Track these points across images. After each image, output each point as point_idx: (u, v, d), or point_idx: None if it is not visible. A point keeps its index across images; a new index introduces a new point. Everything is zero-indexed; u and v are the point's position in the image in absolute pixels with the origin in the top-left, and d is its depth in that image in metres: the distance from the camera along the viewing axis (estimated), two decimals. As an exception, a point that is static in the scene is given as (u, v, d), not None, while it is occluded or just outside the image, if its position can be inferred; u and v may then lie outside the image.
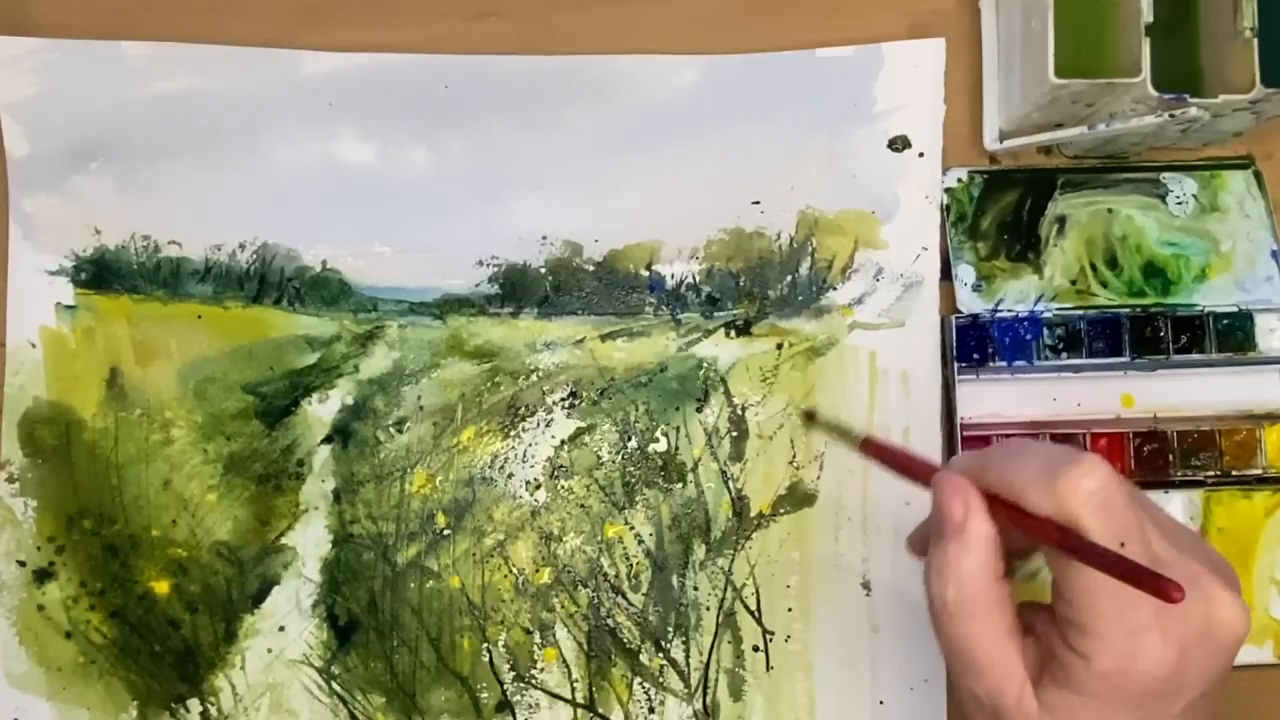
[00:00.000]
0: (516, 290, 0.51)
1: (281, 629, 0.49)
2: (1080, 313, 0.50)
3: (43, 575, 0.49)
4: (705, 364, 0.50)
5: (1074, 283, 0.51)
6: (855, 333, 0.51)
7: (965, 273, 0.51)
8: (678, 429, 0.50)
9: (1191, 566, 0.33)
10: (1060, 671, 0.33)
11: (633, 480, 0.50)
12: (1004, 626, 0.34)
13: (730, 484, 0.50)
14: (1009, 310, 0.50)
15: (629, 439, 0.50)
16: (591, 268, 0.51)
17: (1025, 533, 0.33)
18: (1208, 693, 0.33)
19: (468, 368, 0.50)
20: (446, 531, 0.49)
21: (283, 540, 0.49)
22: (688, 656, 0.49)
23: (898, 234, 0.51)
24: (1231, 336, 0.50)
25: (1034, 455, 0.33)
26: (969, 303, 0.50)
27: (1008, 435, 0.50)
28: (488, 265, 0.51)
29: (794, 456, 0.50)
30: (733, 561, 0.50)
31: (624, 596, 0.49)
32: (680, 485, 0.50)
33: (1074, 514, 0.32)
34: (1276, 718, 0.50)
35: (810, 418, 0.49)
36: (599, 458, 0.50)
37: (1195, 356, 0.50)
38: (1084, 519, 0.31)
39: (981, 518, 0.34)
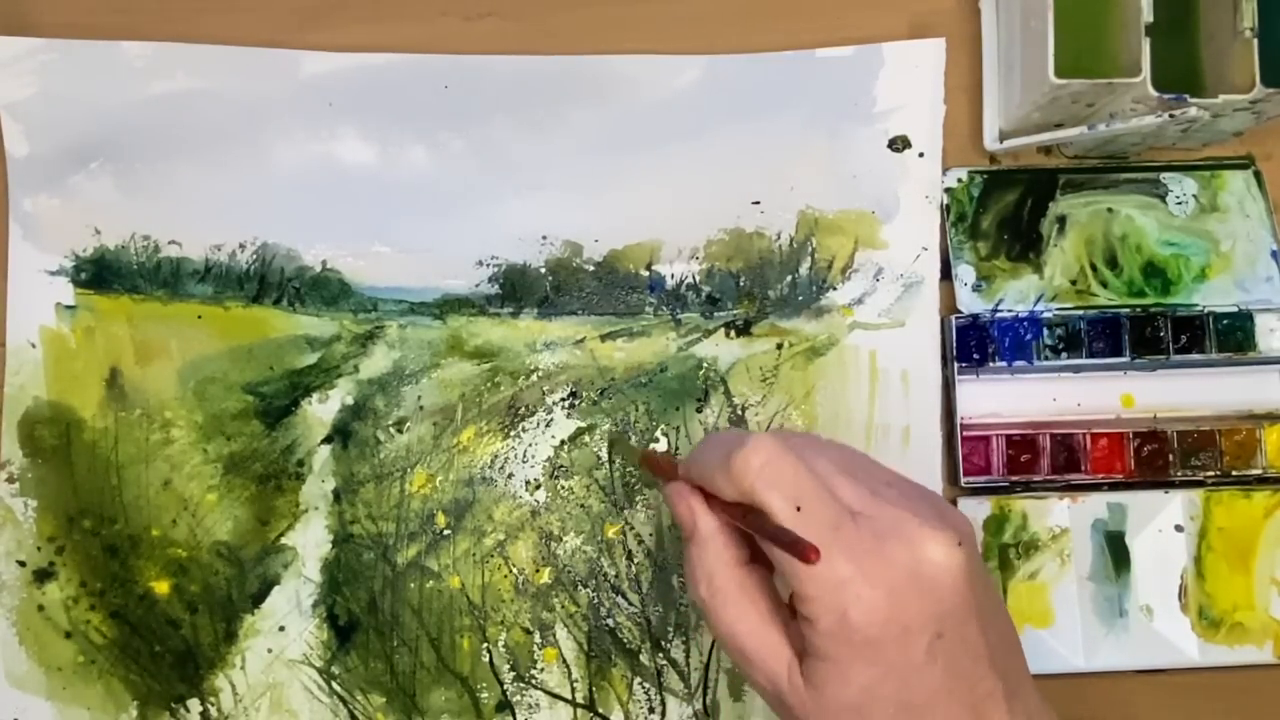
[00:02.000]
0: (516, 290, 0.51)
1: (281, 629, 0.49)
2: (1080, 313, 0.50)
3: (43, 575, 0.49)
4: (705, 364, 0.50)
5: (1074, 283, 0.51)
6: (855, 333, 0.51)
7: (965, 273, 0.51)
8: (678, 429, 0.50)
9: (892, 513, 0.34)
10: (807, 642, 0.34)
11: (633, 480, 0.50)
12: (761, 611, 0.36)
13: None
14: (1009, 310, 0.50)
15: (629, 439, 0.50)
16: (591, 268, 0.51)
17: (730, 518, 0.35)
18: (946, 634, 0.33)
19: (468, 368, 0.50)
20: (446, 531, 0.49)
21: (283, 540, 0.49)
22: (688, 656, 0.49)
23: (898, 234, 0.51)
24: (1231, 336, 0.50)
25: (715, 446, 0.35)
26: (969, 303, 0.50)
27: (1008, 435, 0.50)
28: (488, 265, 0.51)
29: (794, 456, 0.50)
30: (733, 561, 0.49)
31: (624, 596, 0.49)
32: (680, 485, 0.50)
33: (751, 491, 0.34)
34: (1276, 718, 0.50)
35: (613, 444, 0.50)
36: (599, 458, 0.50)
37: (1195, 356, 0.50)
38: (759, 493, 0.33)
39: (705, 516, 0.36)
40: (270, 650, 0.49)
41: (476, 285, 0.51)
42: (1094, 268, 0.51)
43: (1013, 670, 0.35)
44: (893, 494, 0.35)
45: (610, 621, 0.49)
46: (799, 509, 0.33)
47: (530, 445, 0.50)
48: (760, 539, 0.35)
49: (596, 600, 0.49)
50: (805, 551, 0.32)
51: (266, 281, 0.50)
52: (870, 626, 0.33)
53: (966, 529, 0.35)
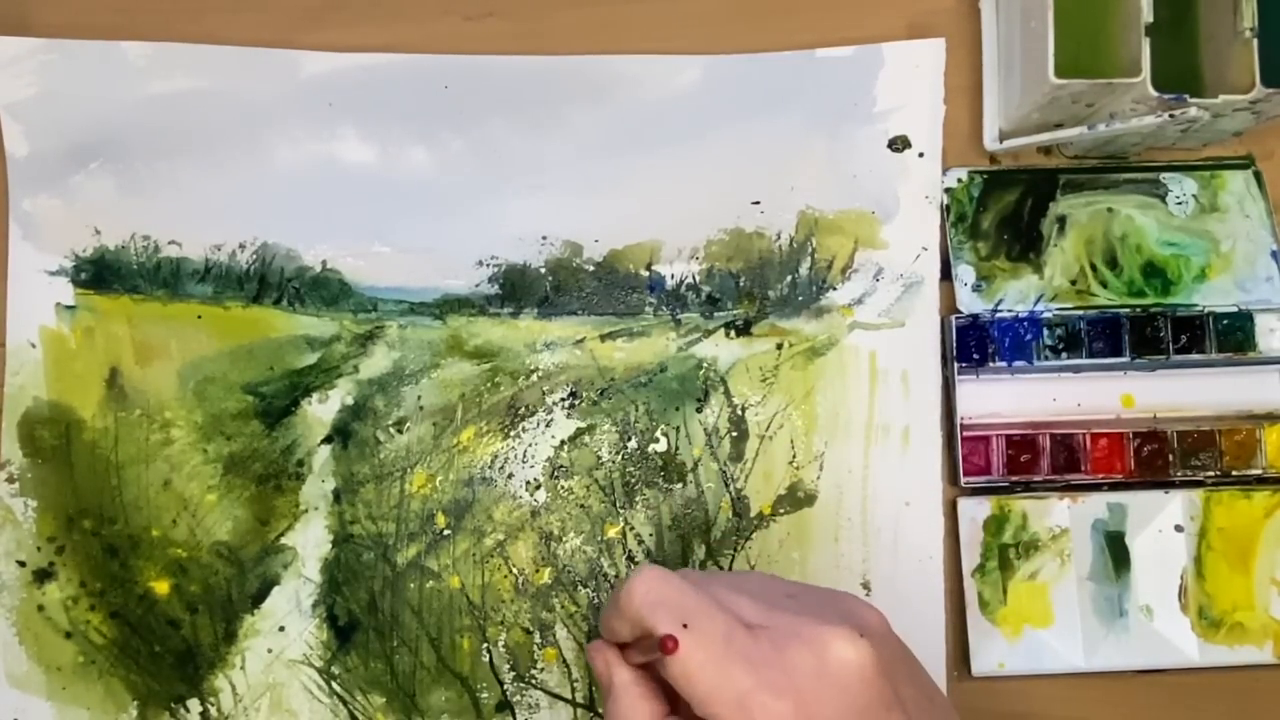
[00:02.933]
0: (516, 290, 0.51)
1: (281, 629, 0.49)
2: (1080, 313, 0.50)
3: (43, 575, 0.49)
4: (705, 364, 0.50)
5: (1074, 283, 0.51)
6: (855, 333, 0.51)
7: (965, 273, 0.51)
8: (678, 429, 0.50)
9: (790, 619, 0.33)
10: None
11: (633, 480, 0.50)
12: None
13: (730, 484, 0.50)
14: (1009, 310, 0.50)
15: (629, 439, 0.50)
16: (591, 268, 0.51)
17: (645, 661, 0.35)
18: None
19: (468, 368, 0.50)
20: (446, 531, 0.49)
21: (283, 540, 0.49)
22: (688, 656, 0.49)
23: (898, 234, 0.51)
24: (1231, 336, 0.50)
25: (612, 602, 0.35)
26: (969, 303, 0.50)
27: (1008, 435, 0.50)
28: (488, 265, 0.51)
29: (794, 456, 0.50)
30: (733, 561, 0.50)
31: (624, 596, 0.49)
32: (680, 485, 0.50)
33: (637, 618, 0.33)
34: (1276, 718, 0.50)
35: None
36: (599, 458, 0.50)
37: (1195, 356, 0.50)
38: (645, 618, 0.33)
39: (619, 667, 0.35)
40: (270, 650, 0.49)
41: (476, 285, 0.51)
42: (1094, 268, 0.51)
43: None
44: (793, 604, 0.34)
45: (610, 621, 0.49)
46: (685, 626, 0.32)
47: (530, 445, 0.50)
48: (647, 662, 0.34)
49: (596, 600, 0.49)
50: (663, 642, 0.31)
51: (266, 281, 0.50)
52: None
53: (873, 619, 0.35)
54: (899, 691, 0.33)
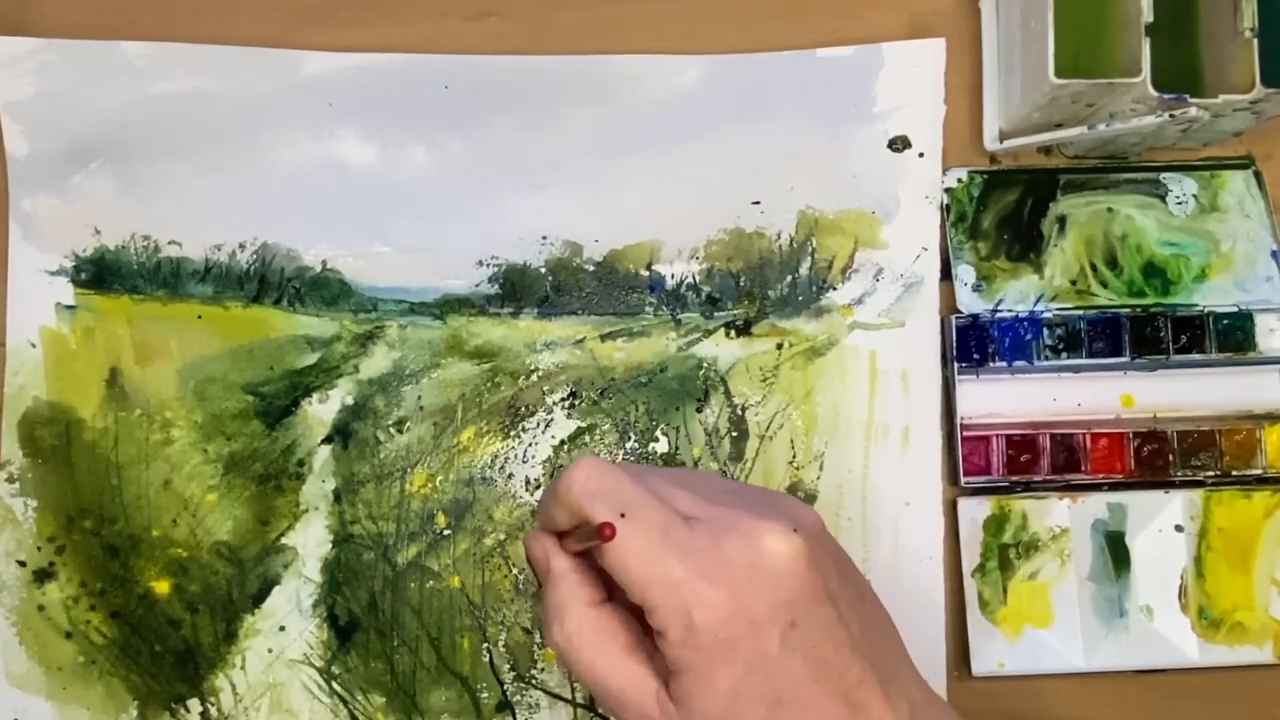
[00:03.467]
0: (516, 290, 0.51)
1: (282, 629, 0.49)
2: (1080, 313, 0.50)
3: (43, 575, 0.49)
4: (705, 364, 0.50)
5: (1074, 283, 0.51)
6: (855, 333, 0.51)
7: (965, 273, 0.51)
8: (678, 429, 0.50)
9: (727, 513, 0.34)
10: (665, 660, 0.34)
11: (633, 480, 0.50)
12: (619, 645, 0.35)
13: None
14: (1009, 310, 0.50)
15: (629, 439, 0.50)
16: (591, 268, 0.51)
17: (568, 546, 0.35)
18: (800, 623, 0.33)
19: (468, 368, 0.50)
20: (446, 531, 0.49)
21: (283, 540, 0.49)
22: (688, 656, 0.49)
23: (898, 234, 0.51)
24: (1231, 336, 0.50)
25: (549, 491, 0.35)
26: (969, 303, 0.50)
27: (1008, 435, 0.50)
28: (488, 265, 0.51)
29: (794, 456, 0.50)
30: (733, 561, 0.49)
31: (624, 596, 0.49)
32: (680, 485, 0.50)
33: (576, 506, 0.34)
34: (1276, 718, 0.50)
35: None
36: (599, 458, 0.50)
37: (1195, 356, 0.50)
38: (584, 506, 0.33)
39: (557, 555, 0.36)
40: (270, 650, 0.49)
41: (476, 285, 0.51)
42: (1094, 268, 0.51)
43: (887, 658, 0.35)
44: (731, 499, 0.35)
45: (610, 621, 0.49)
46: (623, 515, 0.33)
47: (530, 445, 0.50)
48: (586, 550, 0.35)
49: (596, 600, 0.49)
50: (601, 529, 0.32)
51: (266, 281, 0.50)
52: (717, 624, 0.32)
53: (809, 518, 0.35)
54: (829, 586, 0.34)
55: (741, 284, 0.51)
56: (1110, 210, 0.51)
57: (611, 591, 0.35)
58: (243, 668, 0.49)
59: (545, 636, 0.36)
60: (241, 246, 0.50)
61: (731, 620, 0.32)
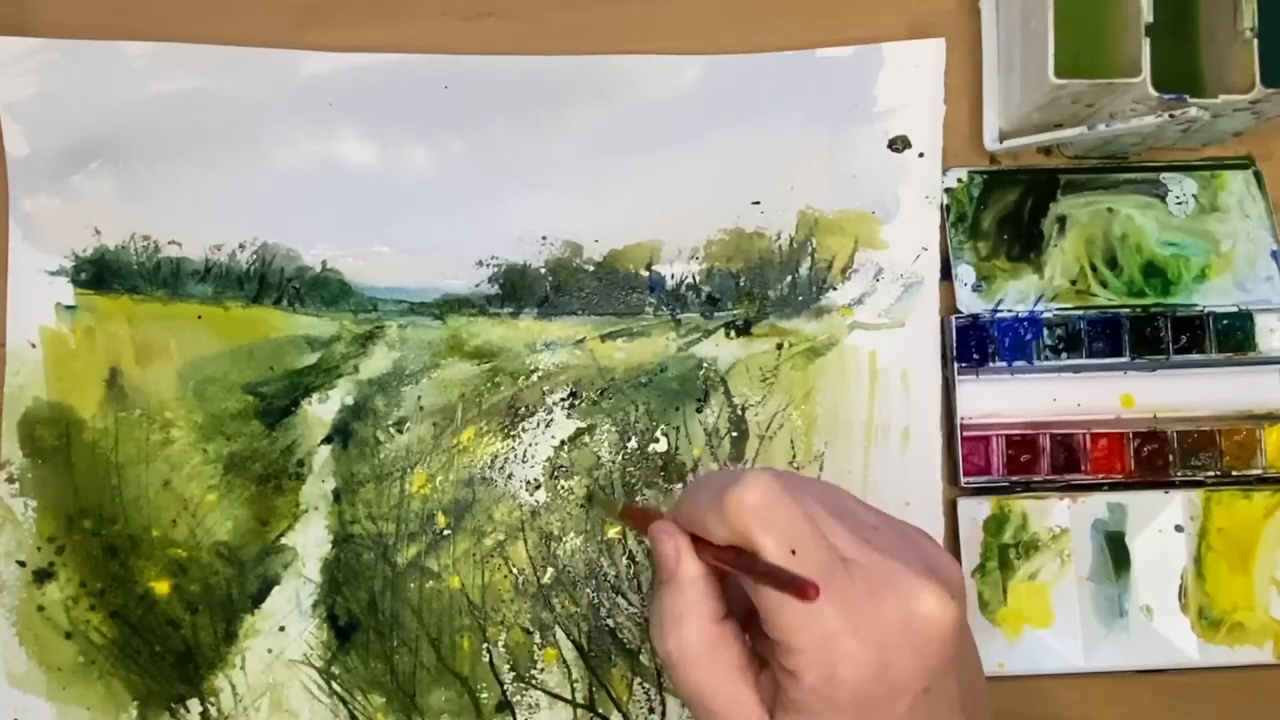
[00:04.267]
0: (516, 290, 0.51)
1: (281, 629, 0.49)
2: (1080, 313, 0.50)
3: (43, 575, 0.49)
4: (705, 364, 0.50)
5: (1074, 283, 0.51)
6: (855, 333, 0.51)
7: (965, 273, 0.51)
8: (678, 429, 0.50)
9: (884, 563, 0.32)
10: (784, 696, 0.32)
11: (633, 480, 0.50)
12: (733, 667, 0.33)
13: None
14: (1009, 310, 0.50)
15: (629, 439, 0.50)
16: (591, 268, 0.51)
17: (722, 564, 0.33)
18: (933, 688, 0.32)
19: (468, 368, 0.50)
20: (446, 531, 0.49)
21: (283, 540, 0.49)
22: (688, 656, 0.49)
23: (898, 234, 0.51)
24: (1231, 336, 0.50)
25: (707, 484, 0.33)
26: (969, 303, 0.50)
27: (1008, 435, 0.50)
28: (488, 265, 0.51)
29: (794, 457, 0.50)
30: (733, 561, 0.50)
31: (624, 596, 0.49)
32: (680, 485, 0.50)
33: (744, 532, 0.31)
34: (1276, 718, 0.50)
35: (591, 498, 0.49)
36: (599, 458, 0.50)
37: (1195, 356, 0.50)
38: (754, 533, 0.31)
39: (690, 559, 0.34)
40: (270, 650, 0.49)
41: (476, 285, 0.51)
42: (1094, 268, 0.51)
43: (980, 709, 0.35)
44: (883, 539, 0.34)
45: (610, 621, 0.49)
46: (794, 552, 0.31)
47: (530, 445, 0.50)
48: (750, 581, 0.33)
49: (596, 600, 0.49)
50: (804, 588, 0.29)
51: (266, 281, 0.50)
52: (860, 683, 0.31)
53: (957, 576, 0.34)
54: (963, 652, 0.33)
55: (741, 284, 0.51)
56: (1110, 210, 0.51)
57: (729, 605, 0.34)
58: (242, 668, 0.49)
59: (654, 638, 0.34)
60: (241, 246, 0.50)
61: (874, 681, 0.31)
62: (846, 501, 0.36)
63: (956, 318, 0.50)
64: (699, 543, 0.34)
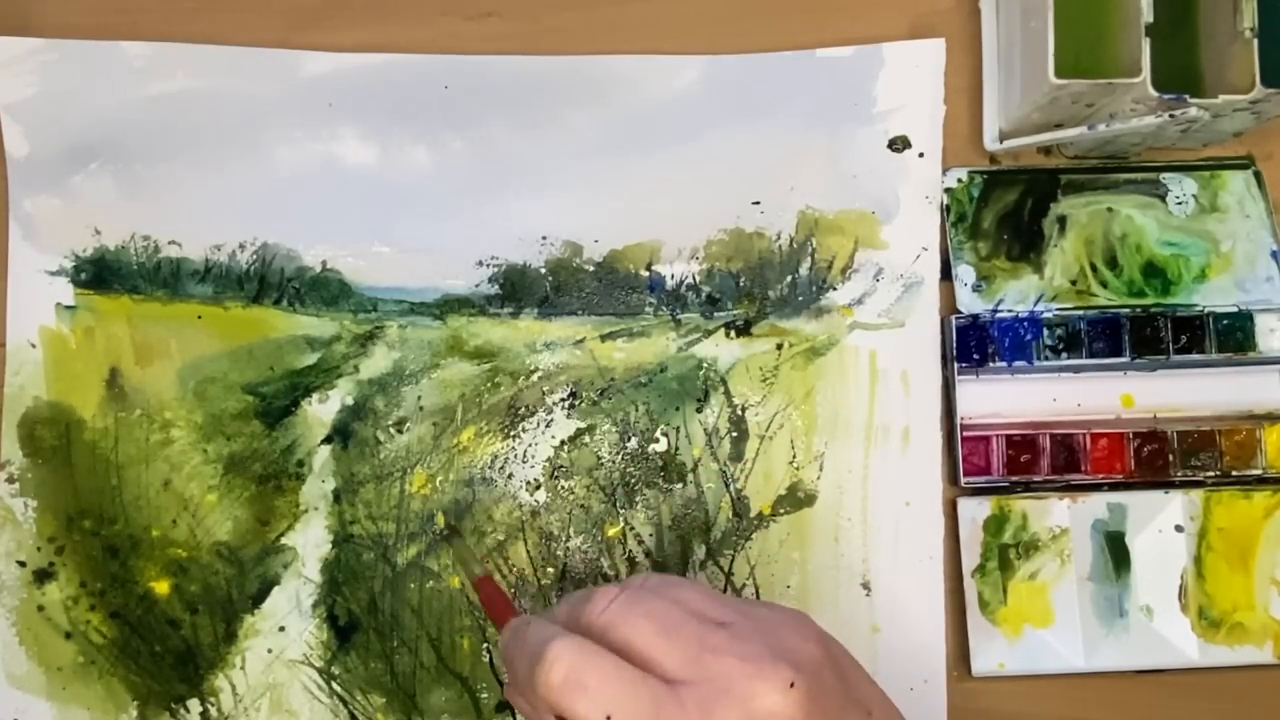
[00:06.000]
0: (516, 290, 0.51)
1: (281, 629, 0.49)
2: (1080, 313, 0.50)
3: (43, 575, 0.49)
4: (705, 364, 0.50)
5: (1074, 283, 0.51)
6: (855, 333, 0.51)
7: (965, 273, 0.51)
8: (678, 429, 0.50)
9: (717, 669, 0.32)
10: None
11: (633, 480, 0.50)
12: None
13: (730, 484, 0.50)
14: (1009, 310, 0.50)
15: (629, 439, 0.50)
16: (591, 268, 0.51)
17: None
18: None
19: (468, 368, 0.50)
20: (446, 532, 0.49)
21: (283, 540, 0.49)
22: (688, 656, 0.49)
23: (898, 234, 0.51)
24: (1231, 336, 0.50)
25: (522, 647, 0.34)
26: (969, 303, 0.50)
27: (1008, 435, 0.50)
28: (488, 265, 0.51)
29: (794, 456, 0.50)
30: (733, 562, 0.50)
31: (624, 596, 0.49)
32: (680, 485, 0.50)
33: (558, 709, 0.32)
34: (1276, 718, 0.50)
35: (451, 533, 0.49)
36: (599, 458, 0.50)
37: (1195, 356, 0.50)
38: (567, 709, 0.32)
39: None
40: (270, 650, 0.49)
41: (476, 285, 0.51)
42: (1094, 268, 0.51)
43: None
44: (721, 637, 0.33)
45: (610, 621, 0.49)
46: (609, 718, 0.31)
47: (530, 445, 0.50)
48: None
49: (596, 600, 0.49)
50: None
51: (266, 281, 0.50)
52: None
53: (806, 652, 0.34)
54: (847, 699, 0.33)
55: (741, 284, 0.51)
56: (1110, 210, 0.51)
57: None
58: (243, 668, 0.49)
59: None
60: (241, 247, 0.50)
61: None
62: (690, 603, 0.35)
63: (956, 318, 0.50)
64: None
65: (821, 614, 0.49)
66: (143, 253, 0.50)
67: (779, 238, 0.51)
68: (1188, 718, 0.50)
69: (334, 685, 0.49)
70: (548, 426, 0.50)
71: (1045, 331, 0.50)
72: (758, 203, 0.51)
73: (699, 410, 0.50)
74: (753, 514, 0.50)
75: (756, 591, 0.49)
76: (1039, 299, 0.51)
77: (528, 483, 0.50)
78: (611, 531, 0.50)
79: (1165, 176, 0.51)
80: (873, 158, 0.51)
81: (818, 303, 0.51)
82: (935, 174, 0.51)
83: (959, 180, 0.51)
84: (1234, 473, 0.50)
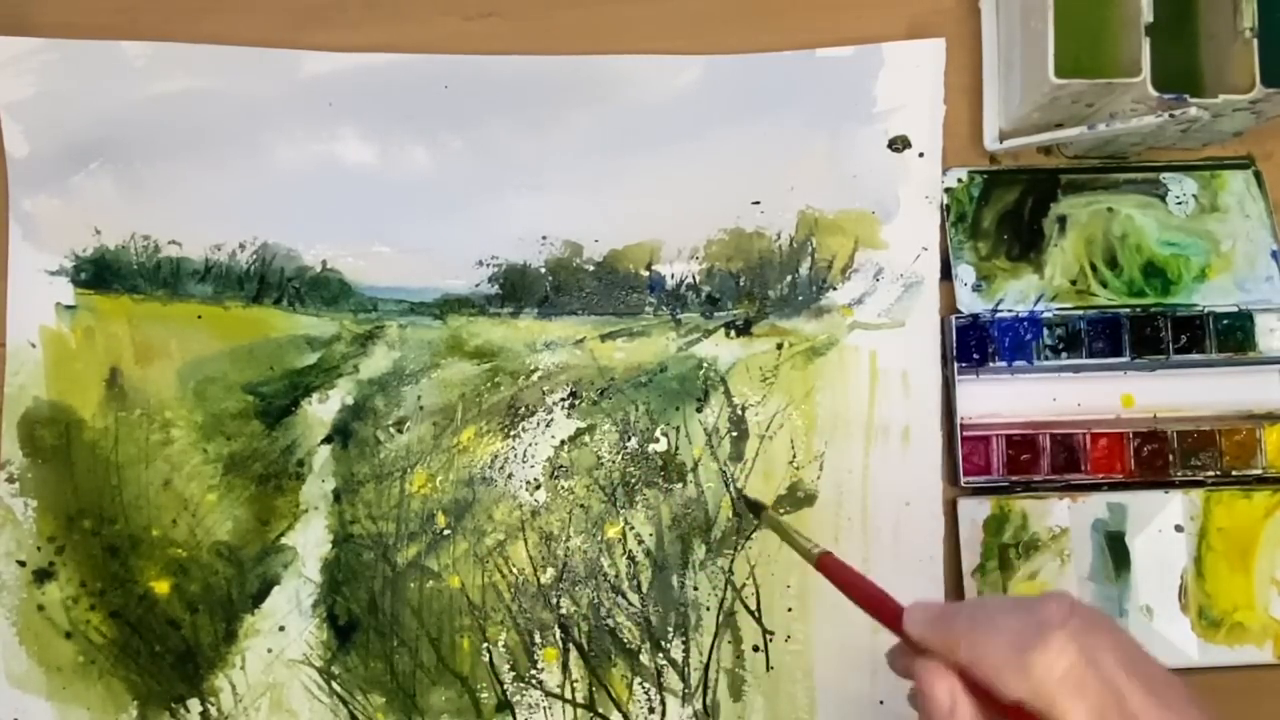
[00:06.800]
0: (516, 290, 0.51)
1: (281, 629, 0.49)
2: (1080, 313, 0.50)
3: (43, 575, 0.49)
4: (705, 364, 0.50)
5: (1074, 283, 0.51)
6: (855, 333, 0.51)
7: (965, 273, 0.51)
8: (678, 429, 0.50)
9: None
10: None
11: (633, 480, 0.50)
12: None
13: (730, 484, 0.50)
14: (1009, 310, 0.50)
15: (629, 439, 0.50)
16: (591, 268, 0.51)
17: (997, 713, 0.32)
18: None
19: (468, 368, 0.50)
20: (446, 531, 0.49)
21: (283, 540, 0.49)
22: (687, 656, 0.49)
23: (898, 234, 0.51)
24: (1231, 336, 0.50)
25: (1002, 631, 0.32)
26: (969, 303, 0.50)
27: (1008, 435, 0.50)
28: (488, 265, 0.51)
29: (794, 456, 0.50)
30: (733, 561, 0.50)
31: (624, 596, 0.49)
32: (680, 485, 0.50)
33: (1049, 697, 0.31)
34: (1276, 718, 0.50)
35: (757, 508, 0.48)
36: (599, 458, 0.50)
37: (1195, 356, 0.50)
38: (1060, 702, 0.30)
39: (966, 708, 0.33)
40: (270, 650, 0.49)
41: (476, 285, 0.51)
42: (1094, 268, 0.51)
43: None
44: (1171, 694, 0.32)
45: (610, 621, 0.49)
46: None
47: (530, 445, 0.50)
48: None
49: (596, 600, 0.49)
50: None
51: (266, 281, 0.50)
52: None
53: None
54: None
55: (741, 284, 0.51)
56: (1110, 210, 0.51)
57: None
58: (242, 668, 0.49)
59: None
60: (241, 246, 0.50)
61: None
62: (1136, 651, 0.34)
63: (956, 318, 0.50)
64: (963, 677, 0.33)
65: (821, 614, 0.49)
66: (143, 252, 0.50)
67: (779, 237, 0.51)
68: (1188, 718, 0.49)
69: (334, 685, 0.49)
70: (548, 426, 0.50)
71: (1045, 331, 0.50)
72: (758, 202, 0.51)
73: (699, 410, 0.50)
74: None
75: (757, 591, 0.49)
76: (1039, 299, 0.51)
77: (528, 482, 0.50)
78: (611, 531, 0.50)
79: (1165, 176, 0.51)
80: (873, 157, 0.51)
81: (818, 302, 0.51)
82: (935, 174, 0.51)
83: (959, 180, 0.51)
84: (1234, 473, 0.50)
